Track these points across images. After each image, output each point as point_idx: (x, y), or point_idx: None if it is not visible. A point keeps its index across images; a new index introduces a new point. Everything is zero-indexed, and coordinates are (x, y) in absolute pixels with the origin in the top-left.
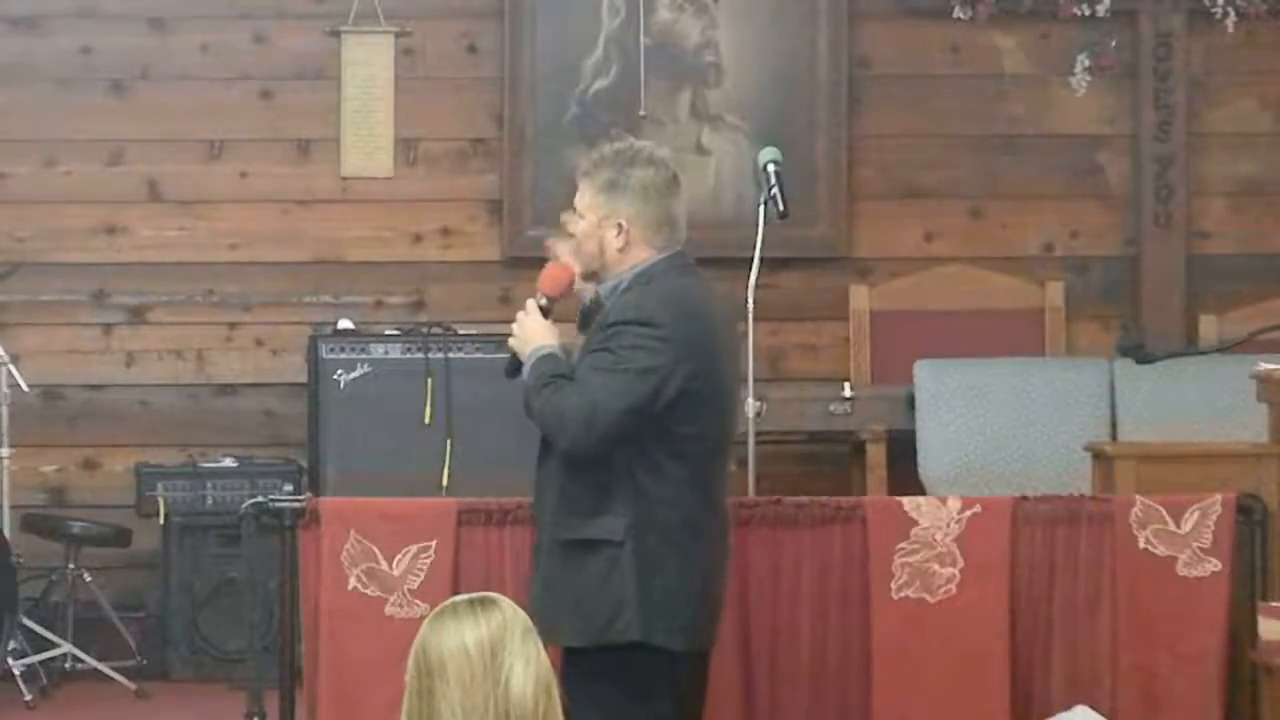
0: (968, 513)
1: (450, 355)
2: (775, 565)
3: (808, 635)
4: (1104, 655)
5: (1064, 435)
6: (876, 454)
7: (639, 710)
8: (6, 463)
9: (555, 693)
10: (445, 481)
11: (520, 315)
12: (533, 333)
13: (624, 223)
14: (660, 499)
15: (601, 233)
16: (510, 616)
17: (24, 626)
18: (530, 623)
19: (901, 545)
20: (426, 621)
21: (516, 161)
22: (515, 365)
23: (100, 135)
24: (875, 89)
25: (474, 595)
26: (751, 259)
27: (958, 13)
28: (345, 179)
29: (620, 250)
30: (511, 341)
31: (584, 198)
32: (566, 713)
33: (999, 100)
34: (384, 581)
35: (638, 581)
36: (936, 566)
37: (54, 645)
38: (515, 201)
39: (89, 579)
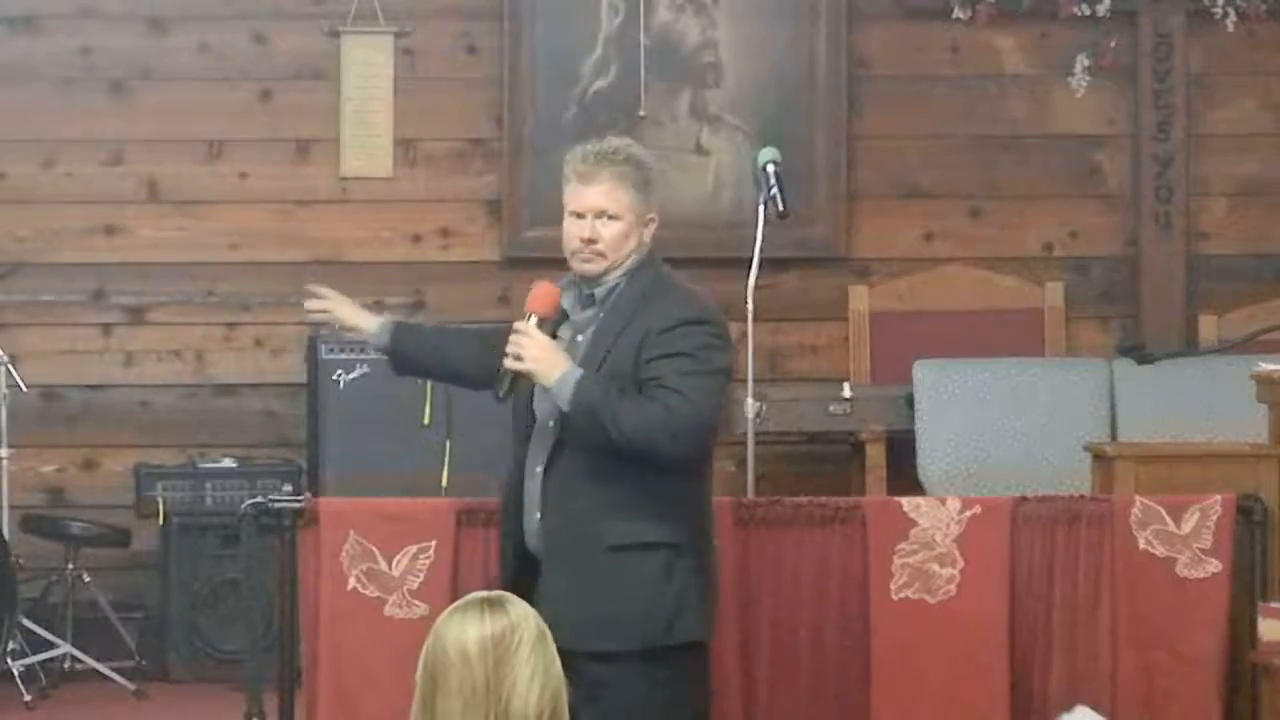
0: (968, 513)
1: None
2: (775, 565)
3: (808, 635)
4: (1104, 655)
5: (1064, 435)
6: (876, 454)
7: (687, 707)
8: (6, 463)
9: (563, 702)
10: (445, 481)
11: (524, 340)
12: (555, 357)
13: (654, 215)
14: (697, 498)
15: (642, 229)
16: (518, 621)
17: (23, 627)
18: (544, 628)
19: (901, 546)
20: (439, 619)
21: (516, 162)
22: (511, 386)
23: (100, 135)
24: (875, 89)
25: (487, 594)
26: (751, 259)
27: (957, 13)
28: (344, 179)
29: (645, 243)
30: (526, 365)
31: (619, 198)
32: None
33: (999, 100)
34: (383, 582)
35: (696, 581)
36: (936, 567)
37: (53, 646)
38: (514, 202)
39: (88, 579)
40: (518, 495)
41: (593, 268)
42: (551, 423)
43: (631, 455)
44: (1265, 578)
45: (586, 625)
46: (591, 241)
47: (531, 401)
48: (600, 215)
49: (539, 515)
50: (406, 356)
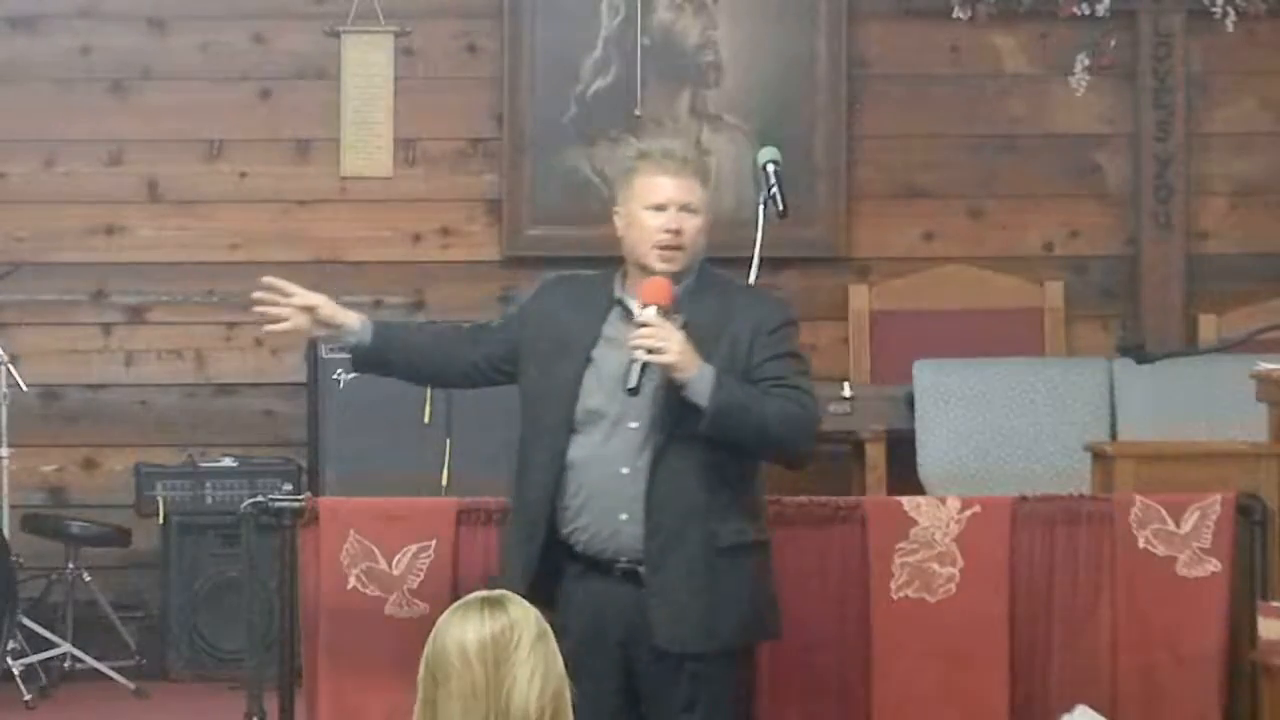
0: (967, 512)
1: None
2: (775, 564)
3: (807, 635)
4: (1104, 655)
5: (1064, 435)
6: (876, 454)
7: (751, 699)
8: (6, 463)
9: (565, 700)
10: (445, 481)
11: (662, 332)
12: (691, 350)
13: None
14: (763, 496)
15: (709, 223)
16: (518, 619)
17: (23, 626)
18: (544, 627)
19: (901, 545)
20: (440, 619)
21: (516, 161)
22: (639, 378)
23: (100, 135)
24: (875, 89)
25: (487, 594)
26: (751, 259)
27: (957, 13)
28: (345, 179)
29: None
30: (670, 358)
31: (701, 194)
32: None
33: (999, 100)
34: (384, 581)
35: (774, 576)
36: (936, 566)
37: (53, 645)
38: (514, 201)
39: (88, 579)
40: (554, 488)
41: (675, 261)
42: (635, 424)
43: (766, 452)
44: (1265, 577)
45: (712, 626)
46: (678, 233)
47: (575, 390)
48: (683, 209)
49: (624, 516)
50: (382, 356)
